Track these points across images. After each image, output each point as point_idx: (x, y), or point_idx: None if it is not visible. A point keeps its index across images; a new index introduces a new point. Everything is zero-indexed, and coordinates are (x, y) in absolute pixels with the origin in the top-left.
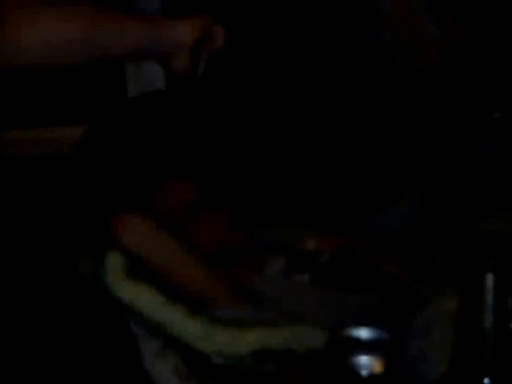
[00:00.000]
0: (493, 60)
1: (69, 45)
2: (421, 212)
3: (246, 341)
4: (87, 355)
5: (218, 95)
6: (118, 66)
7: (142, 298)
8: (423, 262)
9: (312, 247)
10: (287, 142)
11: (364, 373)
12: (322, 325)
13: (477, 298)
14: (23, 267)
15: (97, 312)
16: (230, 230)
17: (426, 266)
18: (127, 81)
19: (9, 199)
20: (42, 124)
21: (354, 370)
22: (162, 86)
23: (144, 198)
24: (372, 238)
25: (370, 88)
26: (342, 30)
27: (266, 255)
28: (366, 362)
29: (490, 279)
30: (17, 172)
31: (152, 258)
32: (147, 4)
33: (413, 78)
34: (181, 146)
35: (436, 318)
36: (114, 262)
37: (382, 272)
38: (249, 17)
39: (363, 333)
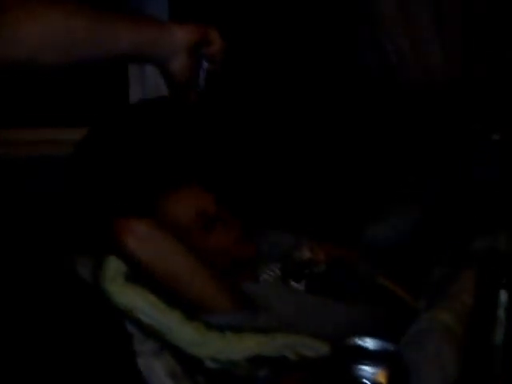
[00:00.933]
0: (494, 78)
1: (66, 41)
2: (418, 224)
3: (240, 348)
4: (82, 354)
5: (222, 104)
6: (120, 69)
7: (139, 303)
8: (417, 274)
9: (307, 256)
10: (289, 153)
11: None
12: (316, 333)
13: (489, 314)
14: (21, 268)
15: (92, 311)
16: (245, 241)
17: (420, 278)
18: (129, 84)
19: (7, 199)
20: (41, 124)
21: (358, 381)
22: (164, 90)
23: (148, 204)
24: (367, 249)
25: (369, 103)
26: (345, 44)
27: (263, 263)
28: (370, 373)
29: (503, 295)
30: (13, 172)
31: (156, 263)
32: (155, 12)
33: (413, 94)
34: (187, 152)
35: (430, 329)
36: (113, 267)
37: (374, 283)
38: (250, 23)
39: (368, 343)
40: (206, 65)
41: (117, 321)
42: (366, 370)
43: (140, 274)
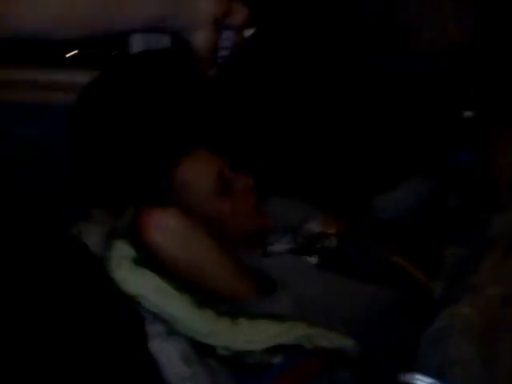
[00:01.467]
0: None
1: (85, 13)
2: (426, 200)
3: (255, 339)
4: (91, 335)
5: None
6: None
7: (144, 290)
8: (428, 251)
9: (318, 230)
10: (297, 127)
11: None
12: (331, 312)
13: None
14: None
15: (104, 293)
16: (260, 208)
17: (431, 255)
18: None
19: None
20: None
21: None
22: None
23: (164, 171)
24: (373, 224)
25: (378, 77)
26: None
27: (272, 235)
28: None
29: None
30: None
31: (183, 256)
32: None
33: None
34: (198, 114)
35: (450, 326)
36: (118, 253)
37: (389, 261)
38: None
39: (419, 381)
40: (230, 36)
41: (129, 302)
42: None
43: (150, 257)
